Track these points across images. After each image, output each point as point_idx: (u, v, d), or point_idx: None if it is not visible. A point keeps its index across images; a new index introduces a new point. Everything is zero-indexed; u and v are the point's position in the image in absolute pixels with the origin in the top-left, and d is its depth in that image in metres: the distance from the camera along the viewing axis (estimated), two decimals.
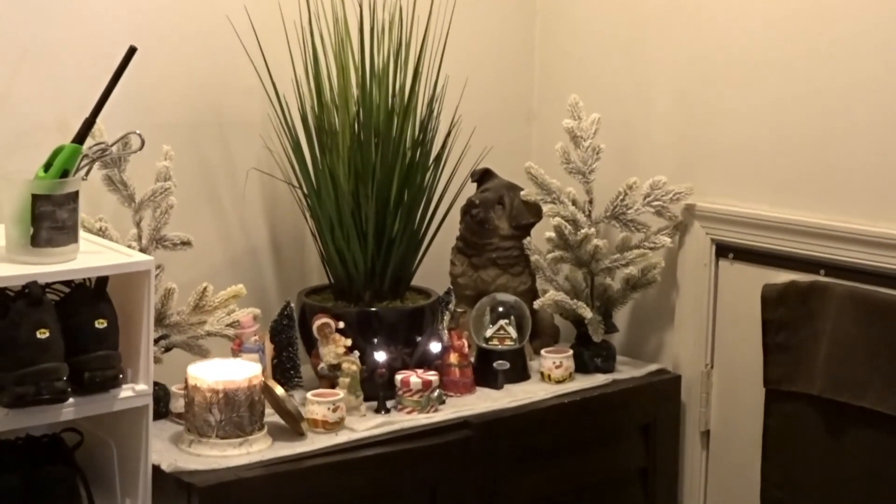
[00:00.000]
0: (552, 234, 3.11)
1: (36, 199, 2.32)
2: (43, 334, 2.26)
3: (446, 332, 2.99)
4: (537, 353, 3.12)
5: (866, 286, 2.81)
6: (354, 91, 2.92)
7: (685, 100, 3.17)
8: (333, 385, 2.79)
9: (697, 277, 3.15)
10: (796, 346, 2.89)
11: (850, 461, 2.82)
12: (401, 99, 2.92)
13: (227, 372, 2.60)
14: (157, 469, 2.48)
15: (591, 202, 3.12)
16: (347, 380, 2.77)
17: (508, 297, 3.09)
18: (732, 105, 3.07)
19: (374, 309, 2.92)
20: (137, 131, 2.55)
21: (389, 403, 2.83)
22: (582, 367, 3.11)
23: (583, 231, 3.07)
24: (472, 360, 3.01)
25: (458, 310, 3.05)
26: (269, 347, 2.86)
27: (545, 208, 3.12)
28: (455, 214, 3.14)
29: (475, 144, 3.16)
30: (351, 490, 2.63)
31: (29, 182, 2.35)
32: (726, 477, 3.16)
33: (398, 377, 2.84)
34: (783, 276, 2.95)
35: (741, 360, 3.08)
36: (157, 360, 2.61)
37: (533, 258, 3.14)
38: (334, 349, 2.83)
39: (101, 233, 2.66)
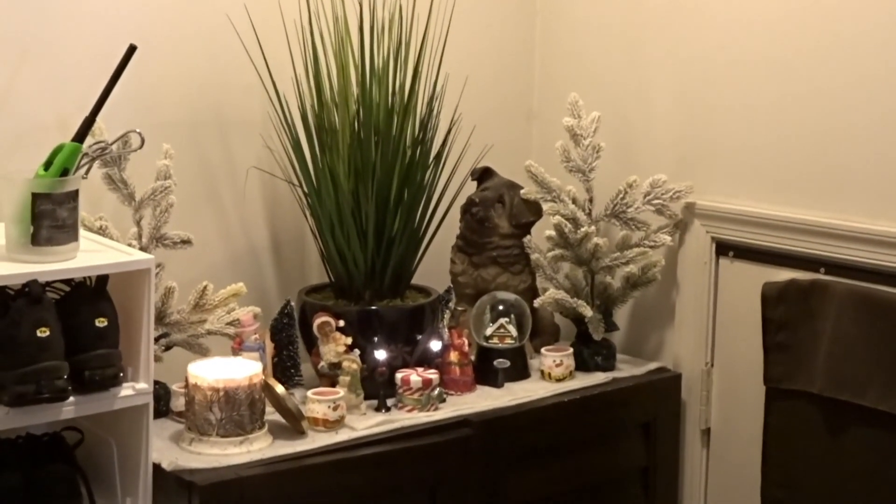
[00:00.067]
0: (552, 233, 3.11)
1: (36, 197, 2.32)
2: (43, 333, 2.26)
3: (446, 330, 2.99)
4: (537, 351, 3.12)
5: (867, 284, 2.81)
6: (354, 90, 2.92)
7: (685, 98, 3.17)
8: (334, 383, 2.79)
9: (698, 276, 3.15)
10: (796, 344, 2.89)
11: (850, 459, 2.82)
12: (401, 97, 2.92)
13: (227, 370, 2.60)
14: (157, 467, 2.48)
15: (591, 200, 3.12)
16: (348, 378, 2.77)
17: (509, 296, 3.09)
18: (732, 103, 3.07)
19: (374, 307, 2.92)
20: (137, 130, 2.55)
21: (390, 402, 2.83)
22: (582, 365, 3.11)
23: (583, 229, 3.07)
24: (473, 358, 3.01)
25: (459, 308, 3.05)
26: (269, 346, 2.86)
27: (545, 207, 3.12)
28: (455, 213, 3.14)
29: (475, 143, 3.16)
30: (351, 488, 2.63)
31: (29, 181, 2.35)
32: (727, 475, 3.16)
33: (398, 375, 2.85)
34: (783, 275, 2.95)
35: (741, 359, 3.08)
36: (157, 359, 2.61)
37: (533, 256, 3.14)
38: (335, 348, 2.83)
39: (102, 231, 2.66)
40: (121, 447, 2.45)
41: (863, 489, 2.80)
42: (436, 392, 2.85)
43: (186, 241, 2.75)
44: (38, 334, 2.26)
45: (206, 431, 2.57)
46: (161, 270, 2.71)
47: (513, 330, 3.05)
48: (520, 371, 3.06)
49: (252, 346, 2.77)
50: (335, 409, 2.70)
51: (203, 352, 2.74)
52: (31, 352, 2.25)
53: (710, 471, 3.20)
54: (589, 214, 3.12)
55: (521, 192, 3.14)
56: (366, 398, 2.81)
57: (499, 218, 3.14)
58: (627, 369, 3.17)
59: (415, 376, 2.84)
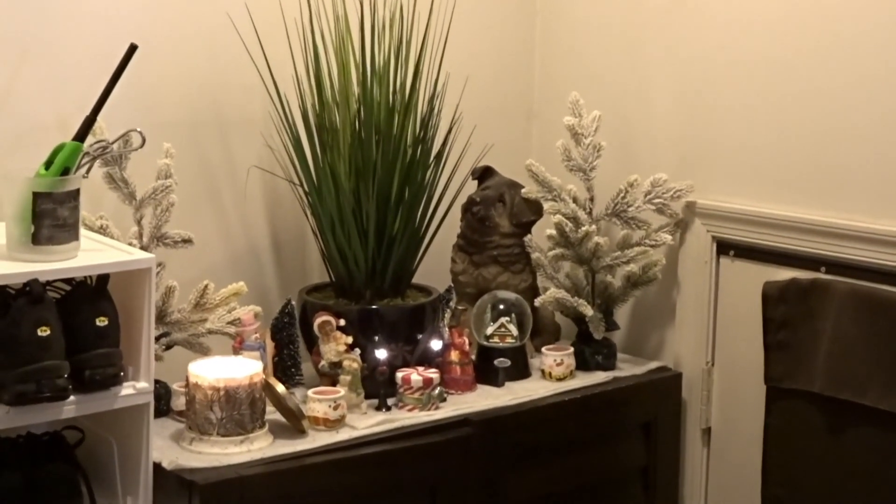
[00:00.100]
0: (553, 232, 3.11)
1: (37, 196, 2.32)
2: (44, 332, 2.26)
3: (447, 329, 2.99)
4: (538, 350, 3.12)
5: (867, 283, 2.81)
6: (355, 89, 2.92)
7: (686, 97, 3.17)
8: (334, 383, 2.80)
9: (698, 275, 3.15)
10: (797, 343, 2.89)
11: (850, 459, 2.81)
12: (401, 96, 2.92)
13: (228, 370, 2.60)
14: (158, 467, 2.48)
15: (591, 199, 3.12)
16: (348, 377, 2.77)
17: (509, 295, 3.09)
18: (733, 102, 3.07)
19: (374, 307, 2.92)
20: (138, 129, 2.56)
21: (390, 401, 2.83)
22: (583, 364, 3.11)
23: (584, 228, 3.07)
24: (473, 357, 3.01)
25: (459, 307, 3.05)
26: (270, 345, 2.86)
27: (546, 206, 3.12)
28: (456, 212, 3.14)
29: (476, 142, 3.16)
30: (352, 487, 2.63)
31: (30, 180, 2.35)
32: (727, 474, 3.16)
33: (399, 375, 2.85)
34: (784, 274, 2.95)
35: (742, 358, 3.08)
36: (158, 358, 2.61)
37: (534, 256, 3.14)
38: (335, 347, 2.83)
39: (102, 230, 2.66)
40: (121, 446, 2.45)
41: (863, 488, 2.80)
42: (436, 391, 2.85)
43: (187, 241, 2.75)
44: (39, 333, 2.26)
45: (207, 431, 2.57)
46: (162, 270, 2.71)
47: (513, 329, 3.05)
48: (520, 370, 3.06)
49: (253, 345, 2.77)
50: (336, 408, 2.70)
51: (204, 351, 2.74)
52: (32, 351, 2.25)
53: (710, 470, 3.20)
54: (590, 213, 3.12)
55: (522, 191, 3.14)
56: (366, 397, 2.81)
57: (499, 217, 3.14)
58: (628, 368, 3.17)
59: (415, 375, 2.84)
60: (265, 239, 3.11)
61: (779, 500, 2.95)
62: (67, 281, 2.39)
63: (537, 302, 3.11)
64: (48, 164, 2.39)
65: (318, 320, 2.85)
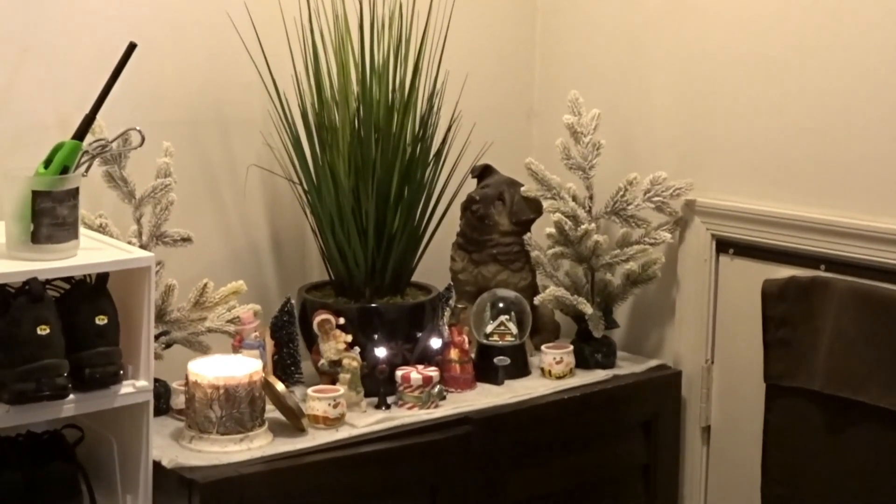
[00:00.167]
0: (552, 230, 3.11)
1: (36, 195, 2.32)
2: (43, 331, 2.26)
3: (447, 327, 2.99)
4: (538, 348, 3.12)
5: (867, 281, 2.81)
6: (354, 87, 2.92)
7: (685, 95, 3.16)
8: (334, 381, 2.80)
9: (698, 273, 3.15)
10: (797, 341, 2.89)
11: (850, 457, 2.81)
12: (401, 95, 2.92)
13: (227, 368, 2.60)
14: (157, 465, 2.48)
15: (591, 198, 3.12)
16: (348, 376, 2.78)
17: (509, 293, 3.09)
18: (733, 100, 3.07)
19: (374, 305, 2.92)
20: (137, 128, 2.55)
21: (390, 399, 2.83)
22: (582, 362, 3.11)
23: (583, 227, 3.07)
24: (473, 355, 3.01)
25: (459, 306, 3.05)
26: (269, 344, 2.86)
27: (545, 204, 3.12)
28: (455, 210, 3.14)
29: (475, 140, 3.16)
30: (352, 485, 2.63)
31: (29, 178, 2.35)
32: (727, 472, 3.16)
33: (399, 373, 2.85)
34: (784, 272, 2.95)
35: (742, 356, 3.08)
36: (157, 357, 2.61)
37: (533, 254, 3.14)
38: (335, 345, 2.83)
39: (102, 229, 2.66)
40: (121, 445, 2.45)
41: (863, 486, 2.80)
42: (436, 389, 2.85)
43: (186, 239, 2.75)
44: (39, 332, 2.26)
45: (207, 429, 2.57)
46: (161, 268, 2.71)
47: (513, 327, 3.05)
48: (520, 368, 3.06)
49: (252, 343, 2.77)
50: (335, 406, 2.70)
51: (203, 349, 2.74)
52: (32, 350, 2.25)
53: (710, 468, 3.20)
54: (589, 212, 3.12)
55: (522, 189, 3.14)
56: (366, 396, 2.81)
57: (499, 215, 3.14)
58: (628, 367, 3.17)
59: (415, 374, 2.84)
60: (265, 237, 3.11)
61: (779, 498, 2.95)
62: (67, 279, 2.40)
63: (537, 300, 3.11)
64: (47, 163, 2.39)
65: (317, 318, 2.85)
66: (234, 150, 3.02)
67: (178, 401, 2.71)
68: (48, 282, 2.33)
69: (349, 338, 2.83)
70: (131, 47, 2.48)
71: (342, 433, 2.68)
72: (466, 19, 3.15)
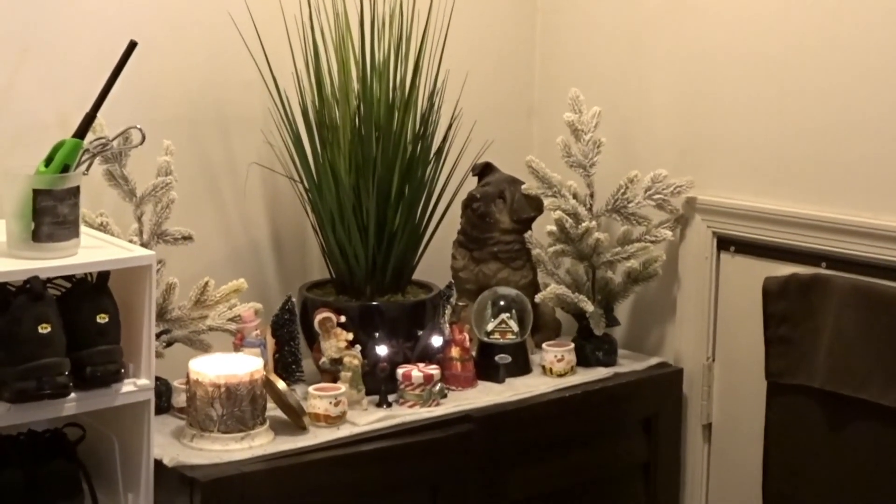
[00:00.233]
0: (553, 228, 3.11)
1: (37, 193, 2.32)
2: (44, 329, 2.26)
3: (448, 326, 2.99)
4: (539, 346, 3.12)
5: (868, 279, 2.81)
6: (355, 85, 2.92)
7: (686, 93, 3.16)
8: (335, 379, 2.80)
9: (699, 270, 3.15)
10: (798, 338, 2.89)
11: (851, 454, 2.82)
12: (401, 93, 2.92)
13: (228, 366, 2.60)
14: (159, 463, 2.48)
15: (592, 196, 3.12)
16: (349, 374, 2.78)
17: (510, 291, 3.09)
18: (734, 98, 3.07)
19: (375, 303, 2.92)
20: (138, 126, 2.55)
21: (391, 397, 2.83)
22: (583, 360, 3.11)
23: (584, 224, 3.07)
24: (474, 353, 3.01)
25: (460, 304, 3.05)
26: (270, 342, 2.86)
27: (546, 202, 3.12)
28: (456, 208, 3.14)
29: (476, 138, 3.16)
30: (353, 483, 2.63)
31: (30, 177, 2.35)
32: (728, 470, 3.16)
33: (400, 371, 2.85)
34: (784, 269, 2.95)
35: (743, 354, 3.08)
36: (158, 355, 2.61)
37: (534, 252, 3.14)
38: (336, 343, 2.83)
39: (103, 227, 2.66)
40: (122, 443, 2.45)
41: (864, 483, 2.80)
42: (437, 387, 2.85)
43: (187, 238, 2.75)
44: (40, 331, 2.26)
45: (208, 427, 2.57)
46: (162, 267, 2.71)
47: (514, 325, 3.05)
48: (521, 366, 3.06)
49: (253, 342, 2.77)
50: (336, 404, 2.70)
51: (204, 348, 2.74)
52: (33, 348, 2.25)
53: (711, 466, 3.20)
54: (590, 209, 3.12)
55: (522, 187, 3.14)
56: (367, 394, 2.81)
57: (500, 213, 3.14)
58: (628, 364, 3.17)
59: (416, 372, 2.84)
60: (265, 236, 3.11)
61: (780, 496, 2.95)
62: (68, 278, 2.39)
63: (538, 298, 3.11)
64: (48, 161, 2.39)
65: (318, 317, 2.85)
66: (234, 149, 3.02)
67: (180, 399, 2.71)
68: (49, 280, 2.33)
69: (350, 336, 2.83)
70: (132, 46, 2.48)
71: (343, 431, 2.68)
72: (467, 18, 3.15)
